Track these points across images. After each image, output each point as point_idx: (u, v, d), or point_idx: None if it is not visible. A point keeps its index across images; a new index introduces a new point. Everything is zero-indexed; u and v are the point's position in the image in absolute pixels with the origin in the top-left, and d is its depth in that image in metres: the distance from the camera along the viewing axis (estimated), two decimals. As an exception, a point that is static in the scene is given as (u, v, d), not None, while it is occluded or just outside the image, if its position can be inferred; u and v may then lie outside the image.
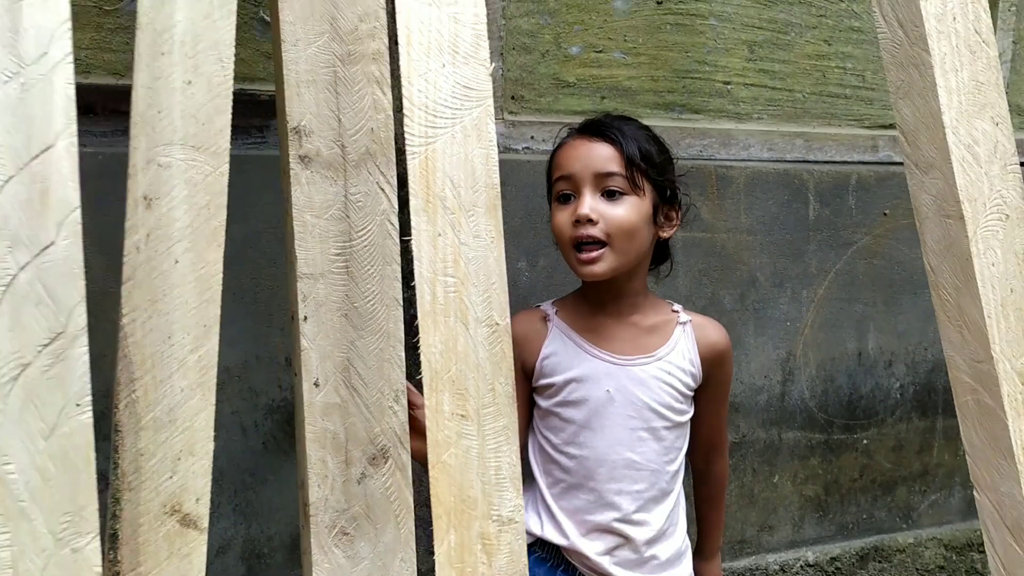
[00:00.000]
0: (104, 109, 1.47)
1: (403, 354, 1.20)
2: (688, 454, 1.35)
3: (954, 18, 1.38)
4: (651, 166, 1.21)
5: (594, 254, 1.20)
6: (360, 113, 1.17)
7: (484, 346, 0.95)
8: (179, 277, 1.00)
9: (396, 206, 1.20)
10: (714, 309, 1.89)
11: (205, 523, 1.02)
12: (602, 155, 1.20)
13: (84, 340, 0.84)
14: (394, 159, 1.20)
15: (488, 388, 0.95)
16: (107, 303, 1.46)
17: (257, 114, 1.56)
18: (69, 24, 0.85)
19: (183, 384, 1.00)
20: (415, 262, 0.95)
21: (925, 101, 1.36)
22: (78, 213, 0.84)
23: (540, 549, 1.31)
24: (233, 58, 1.04)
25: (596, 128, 1.23)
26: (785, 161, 1.96)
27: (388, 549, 1.18)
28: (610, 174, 1.20)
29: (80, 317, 0.84)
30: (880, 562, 2.16)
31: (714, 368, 1.31)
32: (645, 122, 1.66)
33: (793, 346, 2.00)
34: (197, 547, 1.01)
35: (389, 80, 1.20)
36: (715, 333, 1.32)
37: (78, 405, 0.84)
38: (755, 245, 1.94)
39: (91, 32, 1.45)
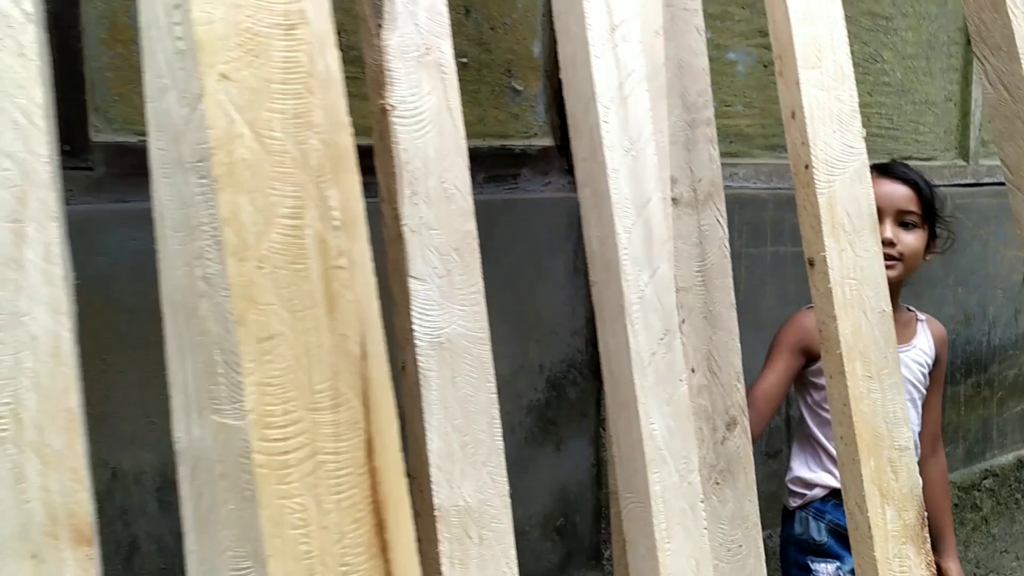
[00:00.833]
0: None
1: (739, 345, 1.58)
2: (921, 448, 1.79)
3: (1038, 84, 1.91)
4: (933, 208, 1.67)
5: (890, 262, 1.62)
6: (702, 165, 1.55)
7: (877, 327, 1.35)
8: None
9: (727, 233, 1.58)
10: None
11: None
12: (904, 195, 1.65)
13: (678, 333, 1.18)
14: (723, 198, 1.58)
15: (882, 356, 1.35)
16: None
17: (512, 165, 1.88)
18: (650, 113, 1.18)
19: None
20: (829, 270, 1.33)
21: (1025, 143, 1.89)
22: (670, 244, 1.18)
23: (836, 498, 1.72)
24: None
25: (897, 172, 1.67)
26: (852, 188, 2.47)
27: (742, 493, 1.55)
28: (909, 212, 1.64)
29: (674, 317, 1.18)
30: (918, 505, 2.70)
31: (941, 350, 1.79)
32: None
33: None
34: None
35: (716, 138, 1.58)
36: (940, 327, 1.82)
37: (680, 380, 1.17)
38: (834, 255, 2.43)
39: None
